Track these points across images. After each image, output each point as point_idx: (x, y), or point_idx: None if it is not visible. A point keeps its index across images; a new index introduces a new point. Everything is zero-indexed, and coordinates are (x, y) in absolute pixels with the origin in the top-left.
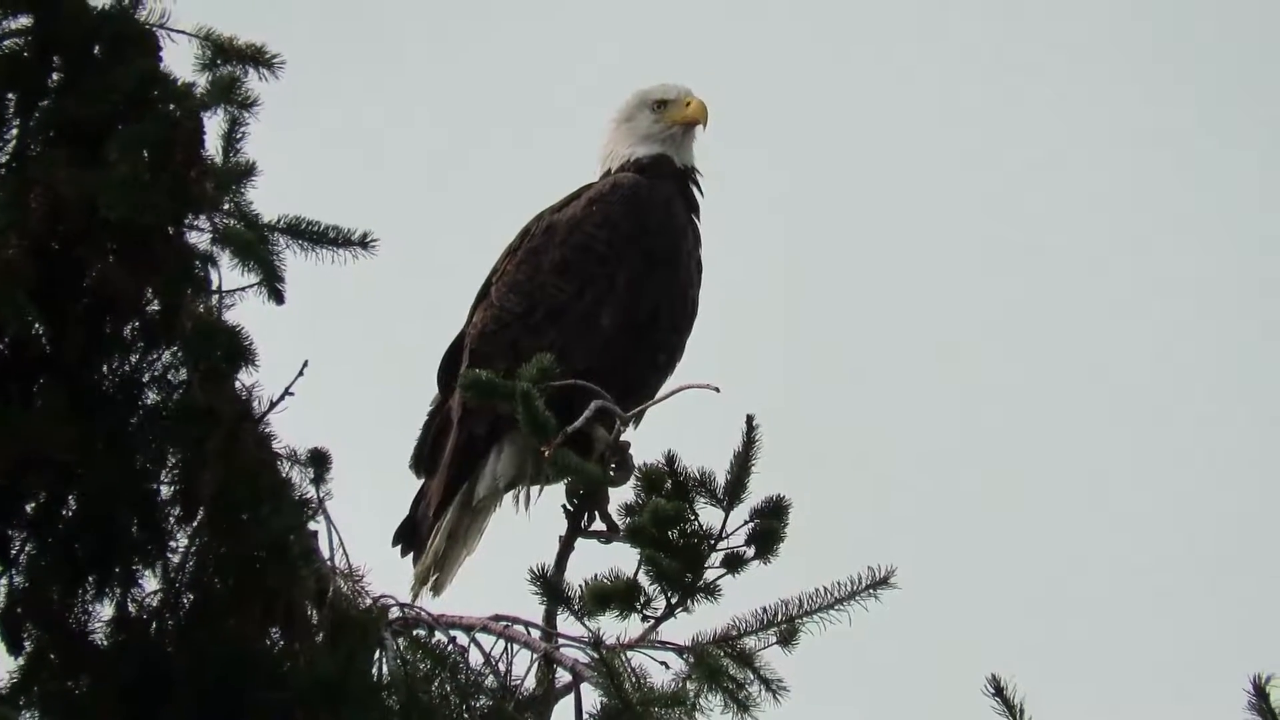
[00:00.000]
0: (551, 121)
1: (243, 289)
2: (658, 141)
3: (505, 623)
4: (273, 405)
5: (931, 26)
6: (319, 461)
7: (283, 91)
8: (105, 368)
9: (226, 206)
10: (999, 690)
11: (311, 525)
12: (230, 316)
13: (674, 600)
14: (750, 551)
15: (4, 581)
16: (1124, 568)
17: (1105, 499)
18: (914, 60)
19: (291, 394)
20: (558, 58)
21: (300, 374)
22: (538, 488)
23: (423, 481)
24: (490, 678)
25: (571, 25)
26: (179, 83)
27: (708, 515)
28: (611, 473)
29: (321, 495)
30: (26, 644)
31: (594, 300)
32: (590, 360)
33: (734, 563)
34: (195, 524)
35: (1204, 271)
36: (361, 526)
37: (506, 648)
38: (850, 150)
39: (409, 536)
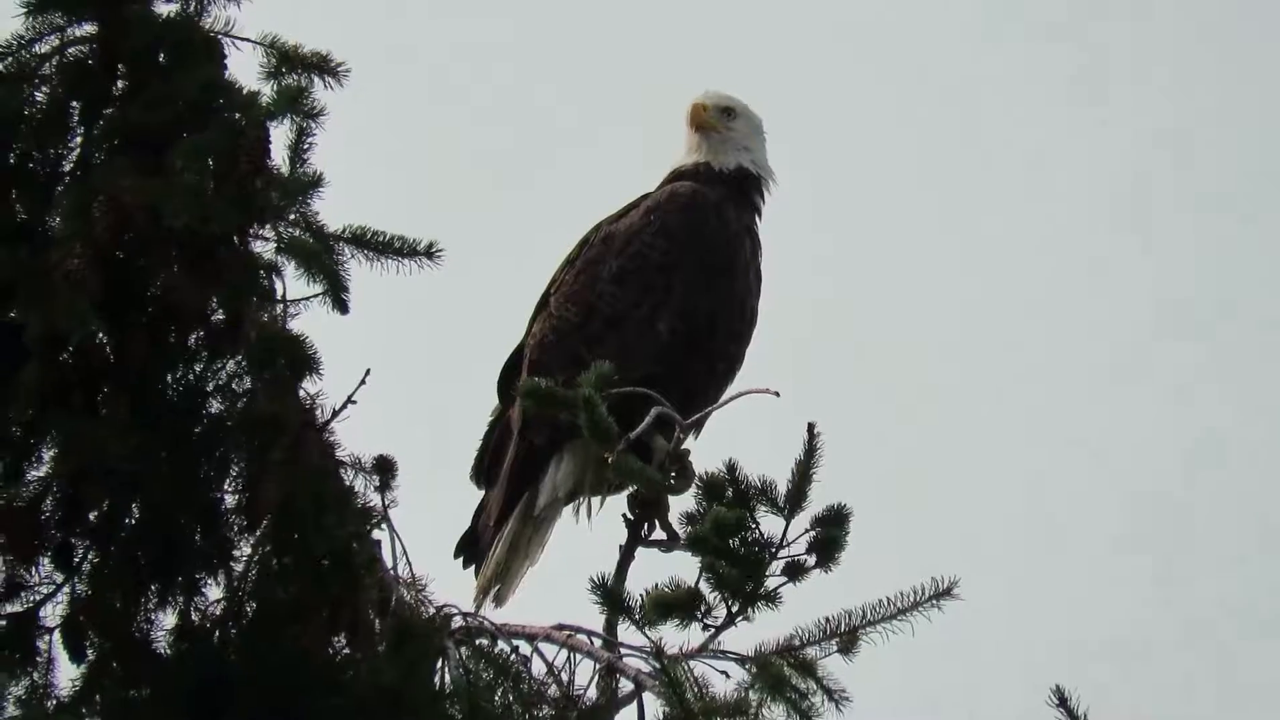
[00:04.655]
0: (610, 132)
1: (307, 298)
2: (694, 150)
3: (568, 632)
4: (335, 414)
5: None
6: (385, 469)
7: (346, 98)
8: (169, 377)
9: (292, 216)
10: (1063, 701)
11: (375, 534)
12: (294, 325)
13: (735, 609)
14: (811, 560)
15: (66, 590)
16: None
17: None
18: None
19: (354, 402)
20: (612, 64)
21: (363, 382)
22: (598, 498)
23: (483, 493)
24: (553, 687)
25: (627, 30)
26: (244, 91)
27: (769, 523)
28: (672, 481)
29: (387, 502)
30: (89, 652)
31: (651, 309)
32: (649, 369)
33: (795, 571)
34: (259, 533)
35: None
36: (423, 537)
37: (569, 657)
38: (900, 149)
39: (470, 548)
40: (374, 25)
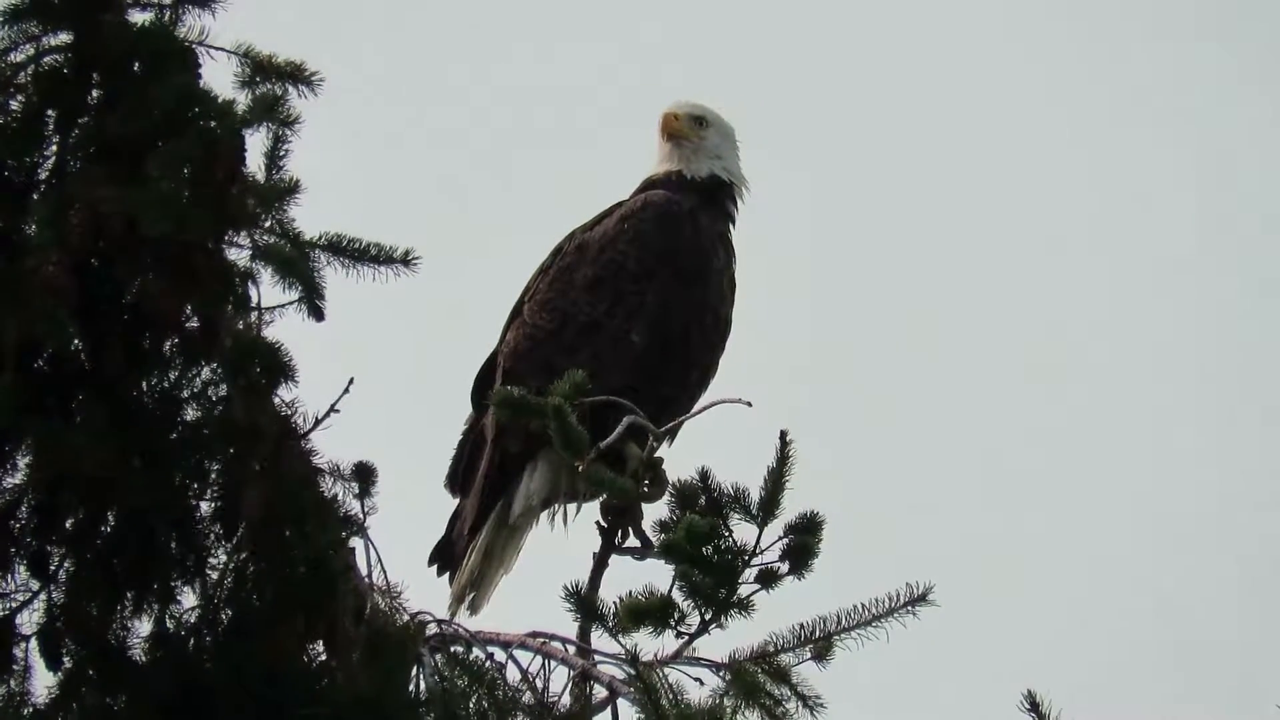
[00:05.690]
0: (585, 139)
1: (283, 305)
2: (666, 159)
3: (543, 639)
4: (318, 422)
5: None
6: (364, 476)
7: (322, 103)
8: (144, 384)
9: (268, 223)
10: (1035, 706)
11: (350, 542)
12: (270, 333)
13: (708, 616)
14: (784, 567)
15: (43, 598)
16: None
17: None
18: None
19: (337, 410)
20: (590, 74)
21: (346, 390)
22: (573, 505)
23: (457, 500)
24: (527, 694)
25: (603, 36)
26: (219, 100)
27: (742, 531)
28: (645, 489)
29: (366, 510)
30: (65, 660)
31: (625, 317)
32: (623, 377)
33: (768, 578)
34: (235, 540)
35: None
36: (398, 545)
37: (544, 664)
38: (876, 155)
39: (445, 556)
40: (360, 27)
